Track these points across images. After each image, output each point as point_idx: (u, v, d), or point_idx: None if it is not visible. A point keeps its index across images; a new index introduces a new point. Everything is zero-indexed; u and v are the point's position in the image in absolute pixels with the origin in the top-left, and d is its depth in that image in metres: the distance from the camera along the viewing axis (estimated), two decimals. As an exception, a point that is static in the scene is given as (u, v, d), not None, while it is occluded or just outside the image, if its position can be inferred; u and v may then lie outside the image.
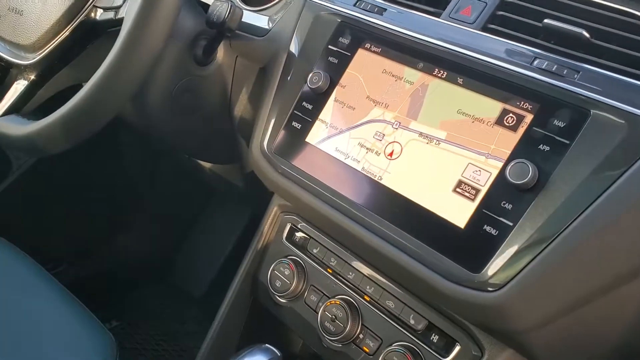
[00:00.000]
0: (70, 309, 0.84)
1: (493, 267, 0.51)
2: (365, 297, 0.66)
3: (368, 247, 0.59)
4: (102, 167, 1.34)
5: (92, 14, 0.71)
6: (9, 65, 0.75)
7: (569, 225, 0.48)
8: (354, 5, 0.68)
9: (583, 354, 0.56)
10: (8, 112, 0.70)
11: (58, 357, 0.76)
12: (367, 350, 0.64)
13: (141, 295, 1.43)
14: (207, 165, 1.06)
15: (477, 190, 0.54)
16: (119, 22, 0.68)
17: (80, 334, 0.79)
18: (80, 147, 1.31)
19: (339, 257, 0.69)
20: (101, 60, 0.65)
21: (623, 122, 0.49)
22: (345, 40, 0.67)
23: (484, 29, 0.59)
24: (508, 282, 0.50)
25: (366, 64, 0.65)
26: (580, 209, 0.48)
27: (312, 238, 0.72)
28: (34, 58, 0.72)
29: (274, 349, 0.59)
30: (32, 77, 0.73)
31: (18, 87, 0.72)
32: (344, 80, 0.66)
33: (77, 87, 0.70)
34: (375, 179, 0.60)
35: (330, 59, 0.67)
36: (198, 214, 1.47)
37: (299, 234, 0.73)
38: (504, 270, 0.50)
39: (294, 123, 0.68)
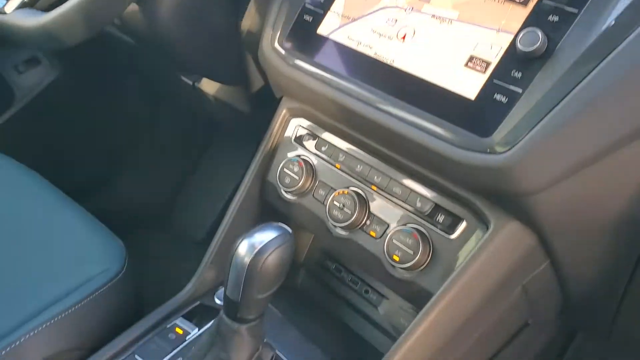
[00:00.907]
0: (80, 218, 0.85)
1: (502, 131, 0.53)
2: (373, 186, 0.68)
3: (382, 128, 0.61)
4: (104, 109, 1.35)
5: None
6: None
7: (574, 88, 0.50)
8: None
9: (584, 224, 0.59)
10: (21, 5, 0.71)
11: (69, 262, 0.77)
12: (374, 234, 0.66)
13: (140, 239, 1.44)
14: (211, 92, 1.07)
15: (488, 63, 0.56)
16: None
17: (91, 240, 0.81)
18: (82, 86, 1.32)
19: (346, 152, 0.71)
20: None
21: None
22: None
23: None
24: (516, 144, 0.52)
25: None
26: (585, 73, 0.50)
27: (320, 137, 0.73)
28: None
29: (285, 226, 0.60)
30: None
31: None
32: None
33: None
34: (388, 62, 0.62)
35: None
36: (199, 157, 1.48)
37: (307, 135, 0.75)
38: (512, 134, 0.52)
39: (305, 17, 0.69)
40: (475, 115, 0.55)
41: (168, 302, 0.74)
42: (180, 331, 0.71)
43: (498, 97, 0.54)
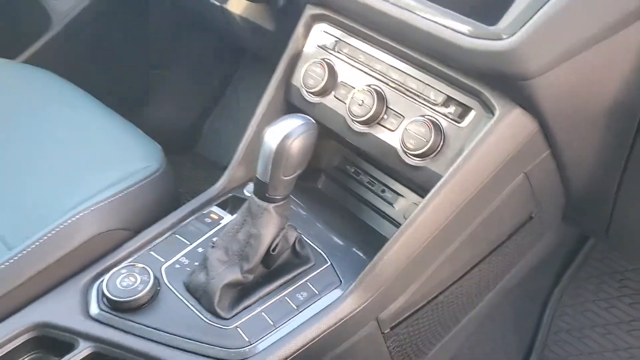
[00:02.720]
0: (122, 124, 0.93)
1: (506, 19, 0.59)
2: (390, 83, 0.74)
3: (400, 22, 0.67)
4: (136, 31, 1.41)
5: None
6: None
7: None
8: None
9: (580, 110, 0.64)
10: None
11: (115, 158, 0.85)
12: (390, 128, 0.73)
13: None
14: (237, 12, 1.12)
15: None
16: None
17: (133, 142, 0.89)
18: (115, 10, 1.38)
19: (366, 53, 0.77)
20: None
21: None
22: None
23: None
24: (517, 31, 0.57)
25: None
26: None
27: (342, 40, 0.79)
28: None
29: (308, 117, 0.67)
30: None
31: None
32: None
33: None
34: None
35: None
36: (226, 82, 1.53)
37: (329, 38, 0.81)
38: (514, 22, 0.58)
39: None
40: (483, 7, 0.60)
41: (203, 193, 0.82)
42: (215, 216, 0.79)
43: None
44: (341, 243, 0.80)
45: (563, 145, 0.69)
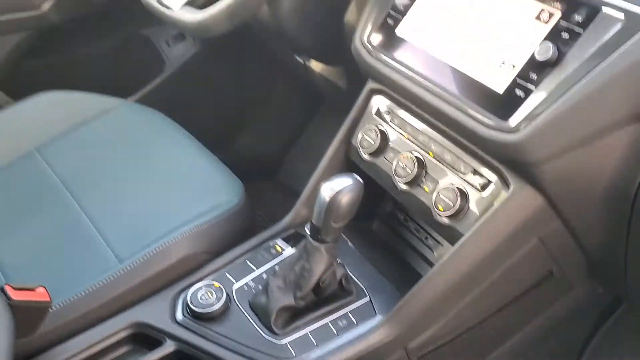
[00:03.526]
0: (210, 160, 1.12)
1: (517, 117, 0.72)
2: (430, 153, 0.89)
3: (436, 109, 0.82)
4: (233, 77, 1.64)
5: None
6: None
7: (569, 89, 0.68)
8: None
9: (579, 192, 0.77)
10: (185, 3, 0.98)
11: (202, 192, 1.05)
12: (427, 190, 0.88)
13: (251, 187, 1.74)
14: (317, 70, 1.31)
15: (515, 66, 0.75)
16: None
17: (219, 177, 1.08)
18: (216, 59, 1.61)
19: (412, 125, 0.92)
20: None
21: (622, 15, 0.67)
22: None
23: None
24: (526, 127, 0.71)
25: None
26: (579, 77, 0.68)
27: (394, 112, 0.95)
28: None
29: (357, 176, 0.83)
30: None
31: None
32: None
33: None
34: (445, 61, 0.82)
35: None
36: (306, 123, 1.73)
37: (384, 109, 0.96)
38: (524, 119, 0.72)
39: (388, 20, 0.90)
40: (501, 105, 0.75)
41: (271, 227, 1.00)
42: (279, 249, 0.96)
43: (518, 92, 0.73)
44: (382, 279, 0.95)
45: (570, 218, 0.81)
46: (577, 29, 0.70)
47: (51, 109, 1.25)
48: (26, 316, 0.75)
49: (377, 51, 0.91)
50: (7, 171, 1.11)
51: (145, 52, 1.60)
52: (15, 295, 0.73)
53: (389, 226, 1.08)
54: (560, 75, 0.70)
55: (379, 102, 0.98)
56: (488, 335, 0.99)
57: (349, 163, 1.01)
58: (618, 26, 0.67)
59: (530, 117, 0.71)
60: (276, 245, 0.97)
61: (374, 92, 0.98)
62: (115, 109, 1.24)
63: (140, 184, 1.07)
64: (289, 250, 0.96)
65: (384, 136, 0.95)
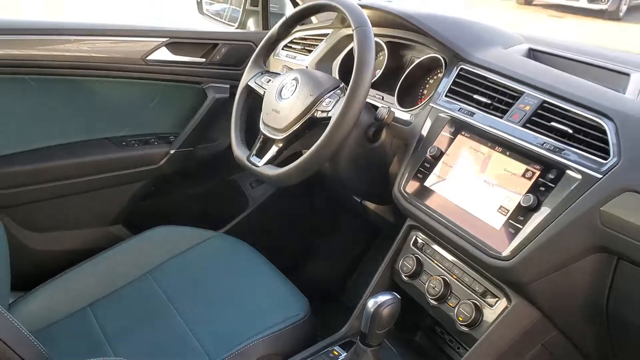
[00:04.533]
0: (282, 280, 1.40)
1: (509, 248, 0.97)
2: (453, 276, 1.14)
3: (454, 242, 1.08)
4: (304, 213, 1.96)
5: (315, 114, 1.30)
6: (268, 138, 1.37)
7: (545, 229, 0.94)
8: (458, 111, 1.20)
9: (565, 305, 0.99)
10: (267, 162, 1.31)
11: (275, 306, 1.32)
12: (451, 305, 1.12)
13: (317, 309, 1.99)
14: (371, 207, 1.60)
15: (508, 210, 1.01)
16: (329, 119, 1.25)
17: (289, 294, 1.35)
18: (291, 197, 1.95)
19: (440, 254, 1.18)
20: (316, 139, 1.22)
21: (580, 175, 0.94)
22: (451, 129, 1.19)
23: (523, 126, 1.07)
24: (515, 256, 0.96)
25: (462, 143, 1.16)
26: (553, 219, 0.94)
27: (427, 244, 1.21)
28: (282, 135, 1.33)
29: (395, 294, 1.08)
30: (280, 145, 1.33)
31: (273, 150, 1.33)
32: (448, 151, 1.17)
33: (302, 153, 1.28)
34: (460, 206, 1.10)
35: (442, 139, 1.19)
36: (365, 251, 2.01)
37: (419, 241, 1.23)
38: (514, 249, 0.97)
39: (418, 174, 1.20)
40: (497, 238, 1.00)
41: (332, 336, 1.25)
42: (336, 353, 1.21)
43: (510, 229, 0.99)
44: None
45: (564, 328, 1.03)
46: (550, 184, 0.97)
47: (160, 240, 1.59)
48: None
49: (411, 197, 1.20)
50: (126, 290, 1.43)
51: (233, 193, 1.97)
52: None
53: (428, 336, 1.30)
54: (539, 218, 0.96)
55: (415, 236, 1.25)
56: None
57: (392, 284, 1.26)
58: (577, 183, 0.94)
59: (518, 249, 0.97)
60: (334, 351, 1.22)
61: (412, 228, 1.26)
62: (208, 240, 1.56)
63: (227, 300, 1.35)
64: (344, 355, 1.20)
65: (419, 262, 1.21)
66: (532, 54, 1.40)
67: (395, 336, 1.29)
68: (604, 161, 0.93)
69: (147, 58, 1.64)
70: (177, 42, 1.68)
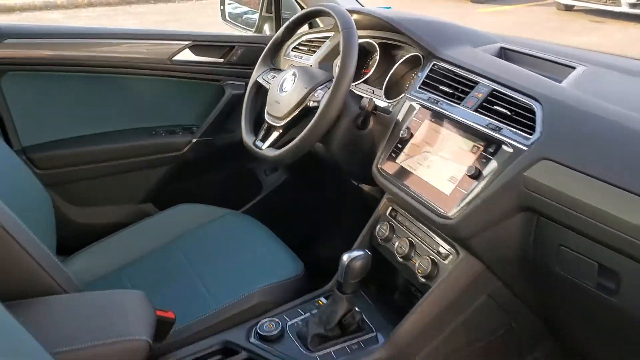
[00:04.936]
0: (285, 250, 1.63)
1: (454, 210, 1.18)
2: (417, 238, 1.35)
3: (417, 210, 1.29)
4: (312, 194, 2.19)
5: (308, 103, 1.52)
6: (271, 125, 1.61)
7: (482, 192, 1.14)
8: (426, 100, 1.41)
9: (502, 256, 1.18)
10: (269, 146, 1.55)
11: (276, 265, 1.54)
12: (414, 262, 1.33)
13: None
14: (366, 189, 1.82)
15: (457, 179, 1.22)
16: (318, 107, 1.48)
17: (286, 257, 1.58)
18: (300, 182, 2.18)
19: (409, 221, 1.39)
20: (307, 123, 1.45)
21: (511, 149, 1.14)
22: (420, 115, 1.40)
23: (475, 110, 1.28)
24: (458, 215, 1.17)
25: (427, 127, 1.37)
26: (488, 184, 1.14)
27: (399, 213, 1.43)
28: (281, 123, 1.56)
29: (366, 250, 1.29)
30: (280, 131, 1.56)
31: (274, 135, 1.57)
32: (417, 134, 1.38)
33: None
34: (422, 177, 1.31)
35: (413, 124, 1.40)
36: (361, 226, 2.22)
37: (393, 211, 1.45)
38: (458, 211, 1.17)
39: (392, 154, 1.41)
40: (447, 202, 1.21)
41: (317, 290, 1.47)
42: (320, 302, 1.42)
43: (457, 195, 1.19)
44: (386, 317, 1.37)
45: (506, 279, 1.22)
46: (490, 157, 1.17)
47: (182, 216, 1.83)
48: (160, 326, 1.26)
49: (385, 174, 1.41)
50: (152, 255, 1.67)
51: (249, 178, 2.21)
52: (158, 312, 1.25)
53: (405, 296, 1.51)
54: (479, 184, 1.16)
55: (391, 207, 1.46)
56: None
57: (370, 247, 1.48)
58: (509, 154, 1.14)
59: (462, 210, 1.17)
60: (319, 301, 1.44)
61: (388, 200, 1.47)
62: (224, 216, 1.81)
63: (234, 261, 1.58)
64: (326, 302, 1.42)
65: (392, 228, 1.42)
66: (504, 52, 1.59)
67: (376, 296, 1.50)
68: (530, 136, 1.13)
69: (173, 59, 1.91)
70: (199, 44, 1.94)
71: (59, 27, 1.89)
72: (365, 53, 1.74)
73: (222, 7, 2.29)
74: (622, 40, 7.53)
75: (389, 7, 2.06)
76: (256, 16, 2.23)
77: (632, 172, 0.98)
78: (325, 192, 2.19)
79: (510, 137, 1.16)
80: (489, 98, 1.27)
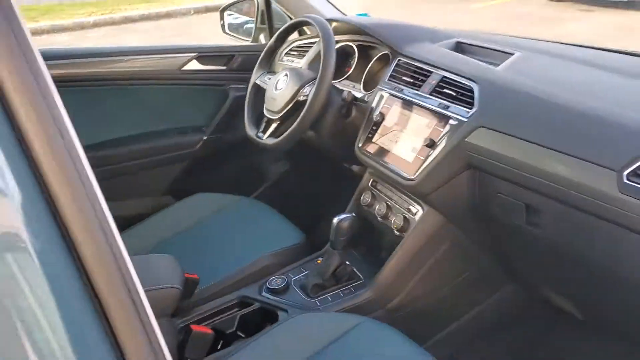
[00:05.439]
0: (287, 224, 1.93)
1: (415, 173, 1.48)
2: (392, 201, 1.65)
3: (389, 177, 1.60)
4: (310, 179, 2.50)
5: (299, 98, 1.82)
6: (270, 119, 1.91)
7: (435, 157, 1.44)
8: (393, 89, 1.71)
9: (457, 209, 1.48)
10: (269, 136, 1.86)
11: (277, 239, 1.84)
12: (391, 220, 1.63)
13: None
14: (355, 169, 2.12)
15: (417, 149, 1.52)
16: (307, 101, 1.78)
17: (287, 229, 1.88)
18: (300, 169, 2.49)
19: (386, 188, 1.69)
20: (299, 115, 1.76)
21: (456, 122, 1.44)
22: (389, 102, 1.70)
23: (430, 94, 1.58)
24: (418, 177, 1.47)
25: (395, 111, 1.67)
26: (439, 151, 1.44)
27: (379, 183, 1.73)
28: (278, 116, 1.87)
29: (353, 213, 1.59)
30: (277, 123, 1.87)
31: (272, 126, 1.87)
32: (387, 117, 1.68)
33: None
34: (392, 151, 1.61)
35: (384, 109, 1.71)
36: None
37: (374, 182, 1.75)
38: (418, 174, 1.47)
39: (369, 135, 1.71)
40: (410, 168, 1.51)
41: (316, 252, 1.77)
42: (319, 261, 1.73)
43: (417, 162, 1.50)
44: (372, 268, 1.67)
45: (463, 229, 1.52)
46: (441, 129, 1.47)
47: (201, 203, 2.14)
48: (187, 287, 1.56)
49: (365, 151, 1.71)
50: (173, 239, 1.96)
51: (256, 169, 2.52)
52: (185, 274, 1.56)
53: (381, 246, 1.81)
54: (434, 152, 1.46)
55: (372, 179, 1.77)
56: (444, 309, 1.66)
57: (357, 211, 1.78)
58: (454, 125, 1.44)
59: (421, 172, 1.47)
60: (317, 260, 1.74)
61: (370, 174, 1.78)
62: (237, 202, 2.12)
63: (246, 234, 1.89)
64: (322, 259, 1.72)
65: (373, 196, 1.73)
66: (459, 45, 1.89)
67: (364, 253, 1.80)
68: (470, 110, 1.43)
69: (182, 68, 2.23)
70: (204, 55, 2.26)
71: (83, 49, 2.21)
72: (346, 54, 2.04)
73: (222, 22, 2.60)
74: (610, 27, 7.78)
75: (365, 14, 2.37)
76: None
77: (546, 132, 1.28)
78: (322, 176, 2.49)
79: (456, 112, 1.46)
80: (440, 83, 1.57)
